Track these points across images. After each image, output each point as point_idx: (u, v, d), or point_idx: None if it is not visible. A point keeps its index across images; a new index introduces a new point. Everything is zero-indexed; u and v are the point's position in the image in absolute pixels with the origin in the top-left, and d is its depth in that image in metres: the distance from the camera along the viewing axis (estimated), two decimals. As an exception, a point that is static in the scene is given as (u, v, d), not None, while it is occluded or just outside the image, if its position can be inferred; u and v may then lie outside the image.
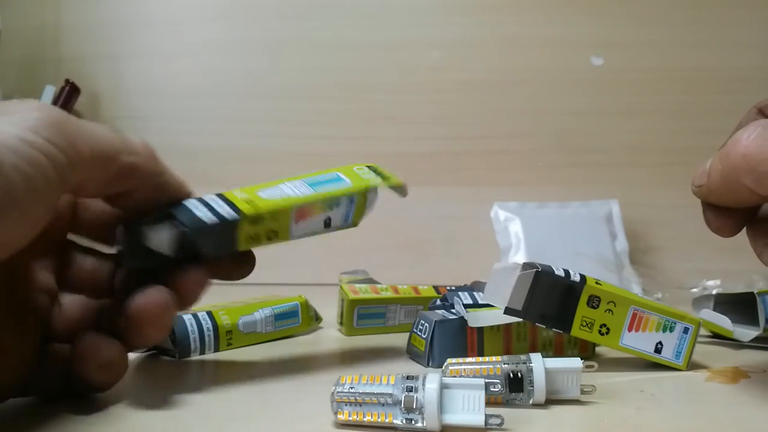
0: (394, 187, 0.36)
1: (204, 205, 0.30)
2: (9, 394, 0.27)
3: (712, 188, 0.29)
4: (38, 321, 0.28)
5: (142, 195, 0.28)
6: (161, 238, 0.28)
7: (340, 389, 0.26)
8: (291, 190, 0.32)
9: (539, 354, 0.29)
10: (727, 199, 0.30)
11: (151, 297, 0.28)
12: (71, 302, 0.30)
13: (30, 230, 0.23)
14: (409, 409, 0.25)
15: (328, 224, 0.33)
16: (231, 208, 0.30)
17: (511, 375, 0.29)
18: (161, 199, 0.29)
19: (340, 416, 0.26)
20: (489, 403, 0.26)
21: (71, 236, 0.31)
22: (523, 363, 0.29)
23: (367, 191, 0.34)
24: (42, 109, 0.24)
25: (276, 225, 0.31)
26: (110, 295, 0.30)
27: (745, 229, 0.31)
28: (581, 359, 0.29)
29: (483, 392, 0.25)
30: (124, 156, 0.26)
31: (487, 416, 0.25)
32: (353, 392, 0.26)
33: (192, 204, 0.30)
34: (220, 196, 0.31)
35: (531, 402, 0.29)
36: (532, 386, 0.28)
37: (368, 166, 0.36)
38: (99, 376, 0.28)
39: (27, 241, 0.23)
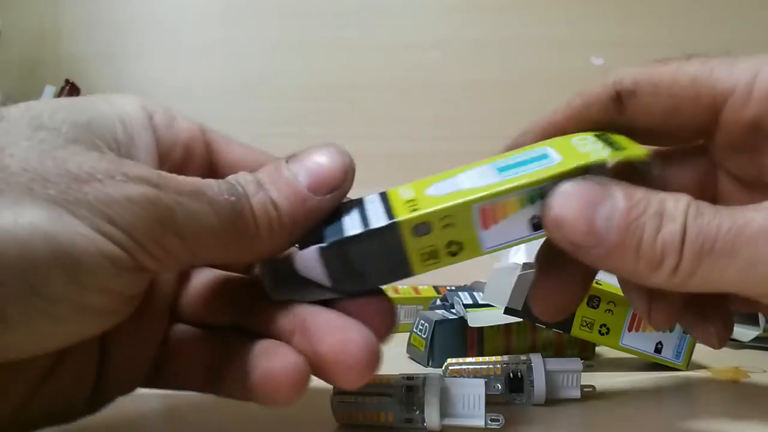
0: (636, 161, 0.23)
1: (359, 210, 0.23)
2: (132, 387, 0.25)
3: (612, 255, 0.21)
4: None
5: None
6: (305, 260, 0.22)
7: (339, 389, 0.26)
8: (471, 180, 0.23)
9: (539, 354, 0.29)
10: (621, 273, 0.22)
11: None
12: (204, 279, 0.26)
13: (67, 329, 0.19)
14: (409, 410, 0.25)
15: (537, 225, 0.23)
16: (385, 212, 0.23)
17: (511, 375, 0.29)
18: None
19: (339, 416, 0.26)
20: (489, 403, 0.26)
21: None
22: (523, 363, 0.29)
23: (588, 170, 0.22)
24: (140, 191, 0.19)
25: (455, 234, 0.23)
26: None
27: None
28: (581, 359, 0.29)
29: (483, 392, 0.25)
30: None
31: (487, 416, 0.25)
32: (353, 392, 0.25)
33: (349, 209, 0.23)
34: (382, 196, 0.24)
35: (531, 402, 0.29)
36: (532, 386, 0.28)
37: (596, 135, 0.24)
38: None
39: (71, 341, 0.19)
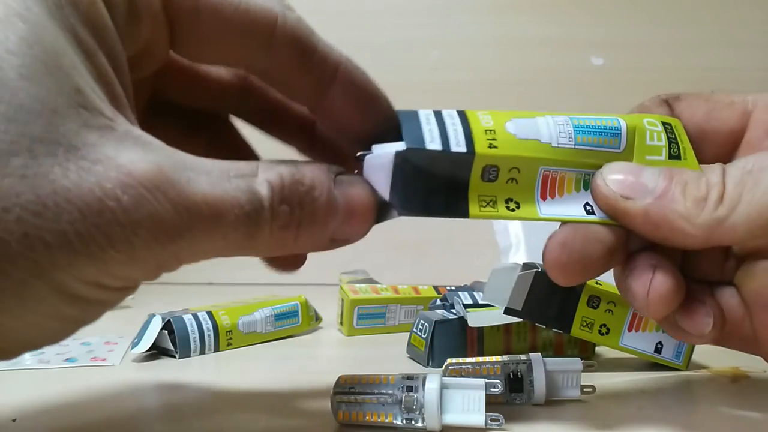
0: None
1: (438, 123, 0.23)
2: None
3: (653, 216, 0.23)
4: None
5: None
6: (375, 158, 0.22)
7: (339, 389, 0.26)
8: (549, 130, 0.23)
9: (539, 354, 0.29)
10: (659, 234, 0.24)
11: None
12: None
13: None
14: (409, 409, 0.25)
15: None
16: (465, 136, 0.22)
17: (511, 375, 0.29)
18: None
19: (339, 416, 0.26)
20: (489, 403, 0.26)
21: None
22: (523, 363, 0.29)
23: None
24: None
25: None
26: None
27: None
28: (581, 359, 0.29)
29: (483, 392, 0.25)
30: None
31: (487, 416, 0.25)
32: (353, 392, 0.26)
33: (428, 118, 0.23)
34: (461, 115, 0.23)
35: (531, 402, 0.29)
36: (532, 386, 0.28)
37: (665, 125, 0.26)
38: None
39: None
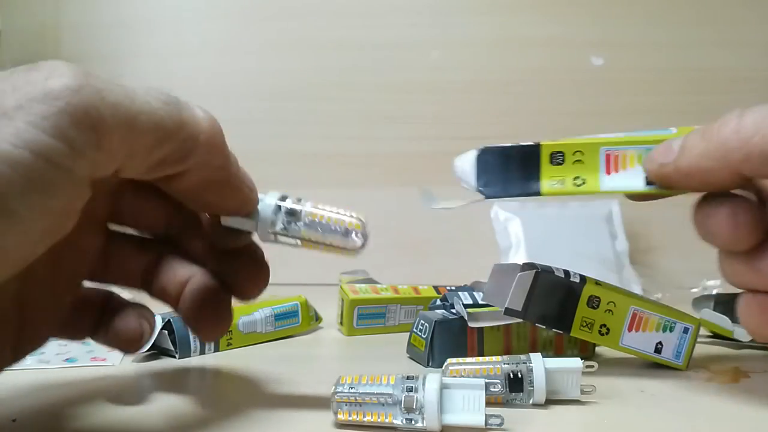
0: None
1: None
2: (49, 334, 0.27)
3: (681, 167, 0.28)
4: (85, 261, 0.27)
5: (193, 185, 0.24)
6: (462, 161, 0.31)
7: (340, 389, 0.26)
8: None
9: (539, 354, 0.29)
10: (695, 181, 0.28)
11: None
12: (123, 245, 0.28)
13: (35, 237, 0.20)
14: (409, 409, 0.25)
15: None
16: (533, 142, 0.31)
17: (511, 375, 0.29)
18: (216, 201, 0.25)
19: (339, 416, 0.26)
20: (489, 403, 0.26)
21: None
22: (523, 363, 0.29)
23: None
24: (58, 89, 0.20)
25: (582, 169, 0.30)
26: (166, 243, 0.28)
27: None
28: (581, 359, 0.29)
29: (483, 392, 0.25)
30: (173, 139, 0.22)
31: (487, 416, 0.25)
32: (353, 392, 0.26)
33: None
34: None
35: (531, 402, 0.29)
36: (532, 386, 0.28)
37: None
38: (123, 348, 0.28)
39: (37, 252, 0.20)
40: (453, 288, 0.45)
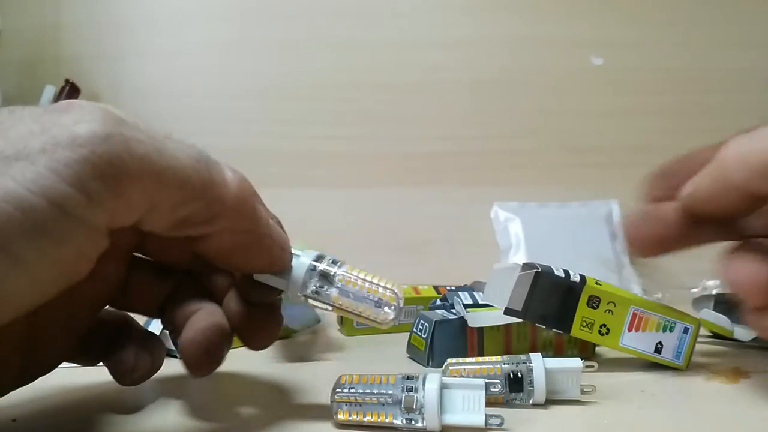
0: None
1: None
2: (60, 360, 0.27)
3: (697, 196, 0.30)
4: (105, 288, 0.26)
5: (219, 247, 0.24)
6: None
7: (339, 389, 0.26)
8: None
9: (539, 354, 0.29)
10: (711, 206, 0.29)
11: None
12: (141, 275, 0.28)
13: (43, 284, 0.19)
14: (409, 409, 0.25)
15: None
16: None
17: (511, 375, 0.29)
18: (244, 263, 0.25)
19: (340, 416, 0.26)
20: (489, 403, 0.26)
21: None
22: (523, 363, 0.29)
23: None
24: (84, 136, 0.19)
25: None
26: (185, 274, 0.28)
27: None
28: (581, 359, 0.29)
29: (483, 392, 0.25)
30: (199, 199, 0.22)
31: (487, 416, 0.25)
32: (353, 392, 0.26)
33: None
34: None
35: (531, 402, 0.29)
36: (532, 386, 0.28)
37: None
38: (117, 380, 0.27)
39: (45, 297, 0.20)
40: (453, 288, 0.45)
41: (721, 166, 0.28)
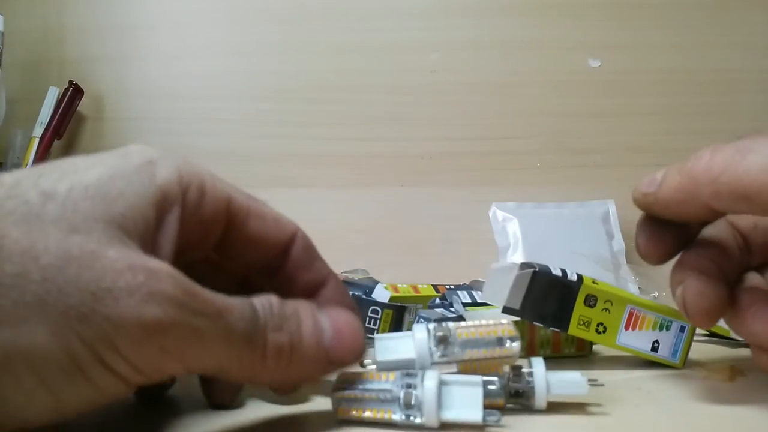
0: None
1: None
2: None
3: (660, 198, 0.30)
4: None
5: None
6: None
7: (340, 386, 0.26)
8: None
9: (542, 364, 0.28)
10: (672, 212, 0.30)
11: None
12: None
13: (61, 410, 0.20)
14: (407, 406, 0.25)
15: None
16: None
17: (512, 392, 0.28)
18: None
19: (340, 412, 0.26)
20: (488, 406, 0.26)
21: None
22: (526, 381, 0.27)
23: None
24: (151, 324, 0.19)
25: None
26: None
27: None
28: (579, 356, 0.29)
29: (481, 389, 0.26)
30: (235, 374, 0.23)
31: (485, 412, 0.25)
32: (353, 389, 0.26)
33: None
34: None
35: (531, 407, 0.28)
36: (533, 398, 0.27)
37: None
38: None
39: (64, 417, 0.20)
40: (452, 287, 0.45)
41: (692, 177, 0.28)
